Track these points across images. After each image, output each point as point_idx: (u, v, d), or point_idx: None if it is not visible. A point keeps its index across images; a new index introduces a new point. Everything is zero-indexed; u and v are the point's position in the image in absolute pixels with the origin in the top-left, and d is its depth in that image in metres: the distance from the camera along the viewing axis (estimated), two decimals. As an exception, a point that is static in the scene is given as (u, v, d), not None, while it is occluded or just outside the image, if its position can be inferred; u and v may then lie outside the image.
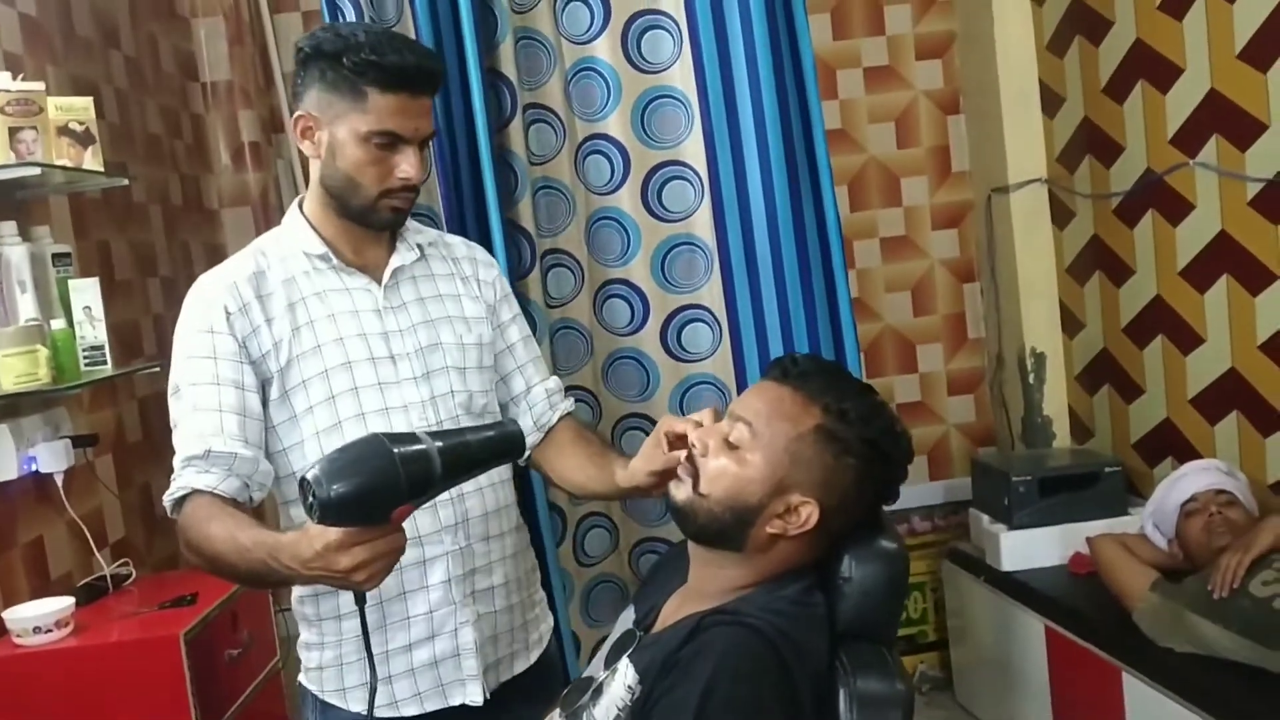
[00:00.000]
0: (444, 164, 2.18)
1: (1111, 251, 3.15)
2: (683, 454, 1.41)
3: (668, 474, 1.44)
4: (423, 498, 1.25)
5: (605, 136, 2.30)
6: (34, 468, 2.08)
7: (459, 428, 1.49)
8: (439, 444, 1.23)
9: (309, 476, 1.18)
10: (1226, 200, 2.67)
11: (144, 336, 2.76)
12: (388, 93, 1.47)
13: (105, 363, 2.14)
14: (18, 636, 1.94)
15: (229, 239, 3.35)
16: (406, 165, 1.51)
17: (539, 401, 1.73)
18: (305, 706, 1.64)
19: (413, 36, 2.09)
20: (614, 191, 2.31)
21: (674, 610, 1.41)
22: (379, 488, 1.19)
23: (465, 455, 1.27)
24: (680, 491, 1.39)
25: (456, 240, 1.76)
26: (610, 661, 1.40)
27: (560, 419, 1.75)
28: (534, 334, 2.20)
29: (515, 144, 2.23)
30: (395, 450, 1.20)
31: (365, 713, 1.45)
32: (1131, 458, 3.15)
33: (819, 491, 1.34)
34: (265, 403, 1.53)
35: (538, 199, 2.28)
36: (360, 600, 1.28)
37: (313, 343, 1.53)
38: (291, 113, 1.73)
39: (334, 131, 1.51)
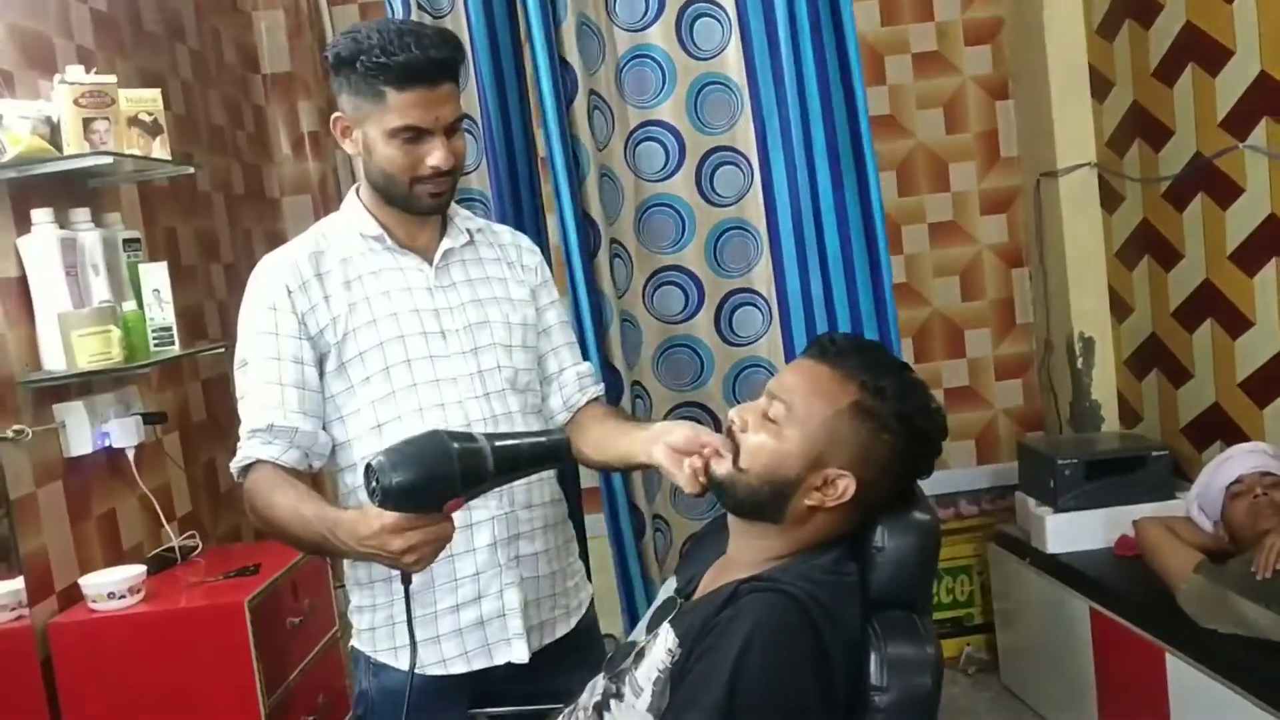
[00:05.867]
0: (494, 151, 2.24)
1: (1160, 235, 3.14)
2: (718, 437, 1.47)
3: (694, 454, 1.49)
4: (474, 491, 1.35)
5: (660, 123, 2.33)
6: (107, 443, 2.17)
7: (513, 432, 1.59)
8: (493, 444, 1.33)
9: (373, 463, 1.28)
10: (1276, 183, 2.65)
11: (208, 320, 2.86)
12: (404, 89, 1.53)
13: (173, 343, 2.23)
14: (93, 602, 2.03)
15: (289, 226, 3.44)
16: (434, 155, 1.57)
17: (570, 384, 1.80)
18: (358, 670, 1.72)
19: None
20: (669, 178, 2.35)
21: (713, 579, 1.46)
22: (436, 479, 1.29)
23: (516, 457, 1.37)
24: (721, 466, 1.44)
25: (503, 228, 1.84)
26: (652, 627, 1.46)
27: (588, 401, 1.81)
28: (602, 321, 2.28)
29: (580, 130, 2.28)
30: (454, 446, 1.30)
31: (415, 670, 1.56)
32: (1180, 442, 3.15)
33: (855, 466, 1.38)
34: (323, 375, 1.61)
35: (601, 186, 2.32)
36: (406, 580, 1.39)
37: (368, 317, 1.61)
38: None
39: (366, 131, 1.59)
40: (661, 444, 1.53)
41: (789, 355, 2.32)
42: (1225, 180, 2.82)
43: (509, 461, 1.36)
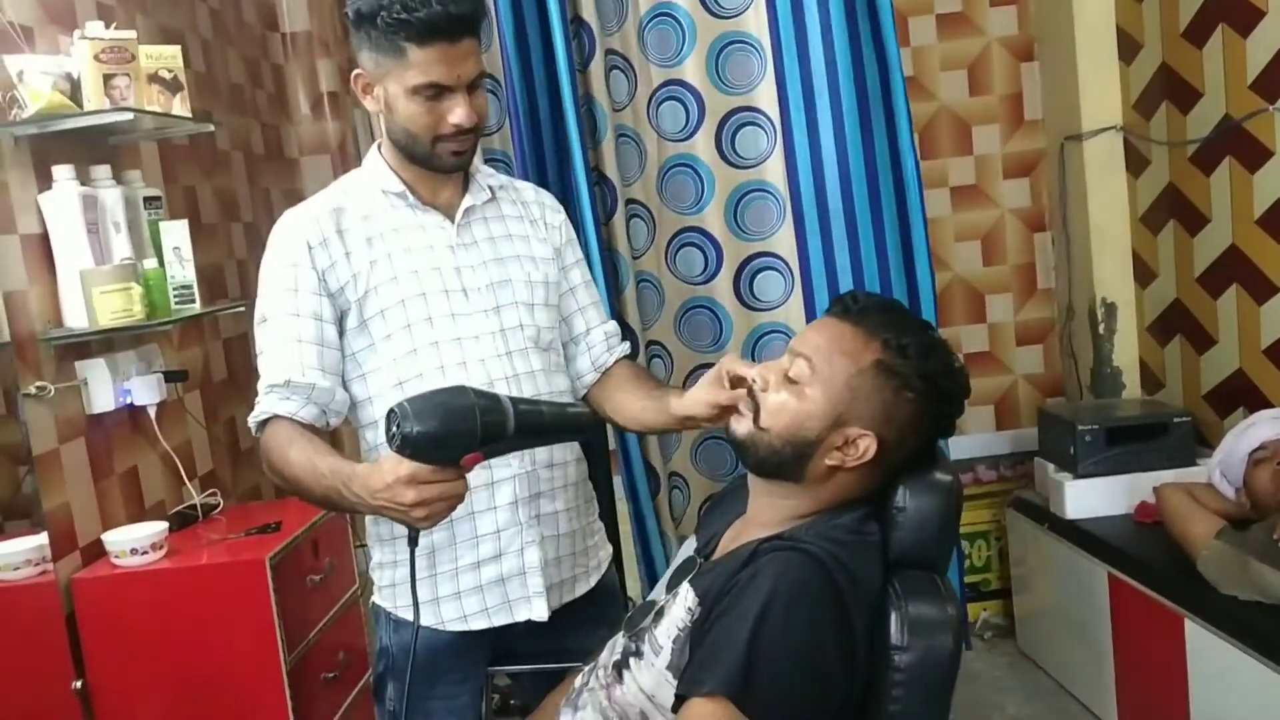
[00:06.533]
0: (517, 110, 2.22)
1: (1186, 200, 3.10)
2: (743, 390, 1.46)
3: (726, 409, 1.47)
4: (493, 447, 1.34)
5: (681, 82, 2.31)
6: (129, 400, 2.18)
7: (537, 399, 1.59)
8: (517, 407, 1.34)
9: (396, 408, 1.28)
10: (1307, 147, 2.62)
11: (228, 278, 2.87)
12: (425, 46, 1.50)
13: (194, 301, 2.23)
14: (115, 557, 2.05)
15: (308, 186, 3.43)
16: (456, 112, 1.55)
17: (598, 343, 1.79)
18: (379, 626, 1.73)
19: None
20: (689, 138, 2.33)
21: (733, 538, 1.46)
22: (456, 431, 1.29)
23: (537, 421, 1.38)
24: (741, 425, 1.43)
25: (526, 185, 1.82)
26: (672, 586, 1.46)
27: (616, 361, 1.81)
28: (619, 282, 2.26)
29: (597, 89, 2.25)
30: (478, 401, 1.31)
31: (436, 627, 1.61)
32: (1202, 409, 3.12)
33: (877, 425, 1.37)
34: (343, 332, 1.61)
35: (618, 147, 2.30)
36: (413, 541, 1.38)
37: (390, 274, 1.60)
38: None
39: (387, 88, 1.56)
40: (704, 404, 1.51)
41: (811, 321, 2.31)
42: (1254, 143, 2.78)
43: (530, 426, 1.36)
